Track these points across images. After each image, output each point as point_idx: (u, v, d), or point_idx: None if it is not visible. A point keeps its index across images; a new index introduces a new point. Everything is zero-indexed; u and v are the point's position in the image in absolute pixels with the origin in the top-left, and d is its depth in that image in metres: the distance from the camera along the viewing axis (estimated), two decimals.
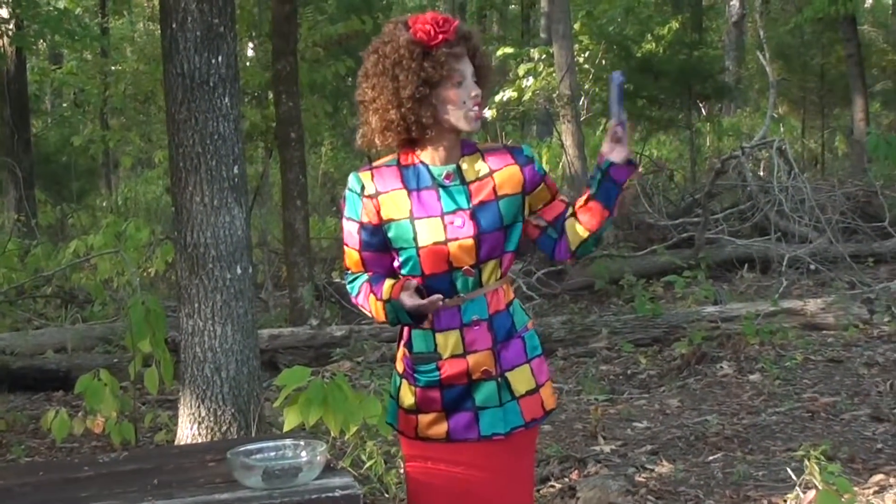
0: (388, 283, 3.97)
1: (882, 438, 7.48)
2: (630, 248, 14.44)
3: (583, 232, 4.02)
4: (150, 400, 8.53)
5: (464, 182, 3.96)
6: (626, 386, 9.42)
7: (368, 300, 4.01)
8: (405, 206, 3.93)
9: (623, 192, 4.01)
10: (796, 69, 23.69)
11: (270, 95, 13.55)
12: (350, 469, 6.53)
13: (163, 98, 7.30)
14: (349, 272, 4.11)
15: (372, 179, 3.98)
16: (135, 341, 7.35)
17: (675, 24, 21.80)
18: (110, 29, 22.28)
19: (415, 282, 3.92)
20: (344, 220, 4.03)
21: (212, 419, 6.63)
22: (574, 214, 4.05)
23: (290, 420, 6.19)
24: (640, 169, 3.64)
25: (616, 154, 3.90)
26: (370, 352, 10.05)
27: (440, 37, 3.83)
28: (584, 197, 4.01)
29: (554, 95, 17.56)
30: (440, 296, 3.87)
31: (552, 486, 6.92)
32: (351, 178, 4.03)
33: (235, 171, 6.65)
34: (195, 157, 6.60)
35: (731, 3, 29.26)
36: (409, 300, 3.87)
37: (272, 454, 3.94)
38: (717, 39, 30.16)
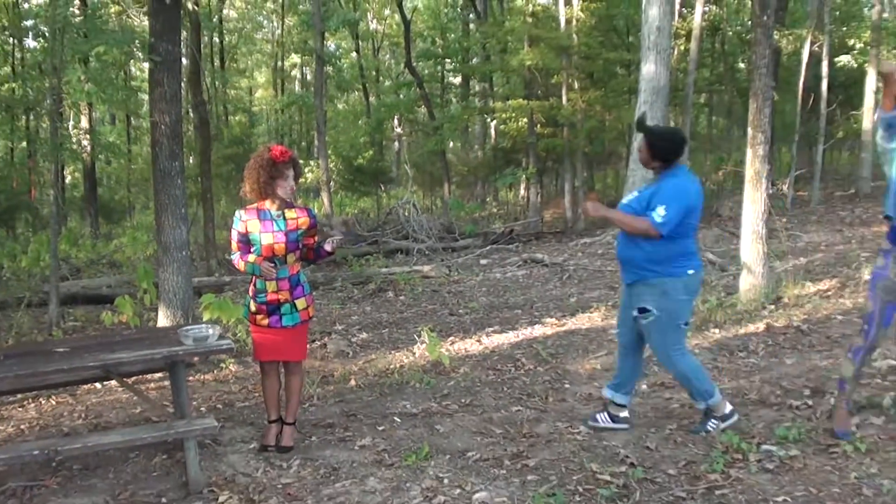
0: (252, 256, 3.95)
1: (452, 323, 7.67)
2: (351, 244, 14.43)
3: (306, 256, 4.09)
4: (146, 307, 8.17)
5: (284, 219, 3.98)
6: (348, 302, 9.39)
7: (239, 262, 3.99)
8: (257, 227, 3.94)
9: (326, 257, 4.08)
10: (422, 171, 23.97)
11: (199, 179, 13.07)
12: (230, 337, 6.47)
13: (153, 180, 7.02)
14: (232, 251, 4.06)
15: (245, 214, 3.97)
16: (140, 282, 7.26)
17: (371, 151, 22.00)
18: (131, 150, 21.57)
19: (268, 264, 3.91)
20: (232, 230, 4.00)
21: (173, 317, 6.47)
22: (308, 249, 4.10)
23: (206, 316, 6.12)
24: (336, 251, 3.73)
25: (328, 246, 4.01)
26: (241, 288, 9.85)
27: (282, 158, 3.87)
28: (312, 249, 4.08)
29: (320, 180, 17.43)
30: (275, 270, 3.93)
31: (316, 343, 6.94)
32: (237, 212, 4.00)
33: (182, 210, 6.43)
34: (165, 206, 6.37)
35: (395, 144, 29.58)
36: (266, 265, 3.89)
37: (198, 330, 3.92)
38: (391, 157, 30.36)
